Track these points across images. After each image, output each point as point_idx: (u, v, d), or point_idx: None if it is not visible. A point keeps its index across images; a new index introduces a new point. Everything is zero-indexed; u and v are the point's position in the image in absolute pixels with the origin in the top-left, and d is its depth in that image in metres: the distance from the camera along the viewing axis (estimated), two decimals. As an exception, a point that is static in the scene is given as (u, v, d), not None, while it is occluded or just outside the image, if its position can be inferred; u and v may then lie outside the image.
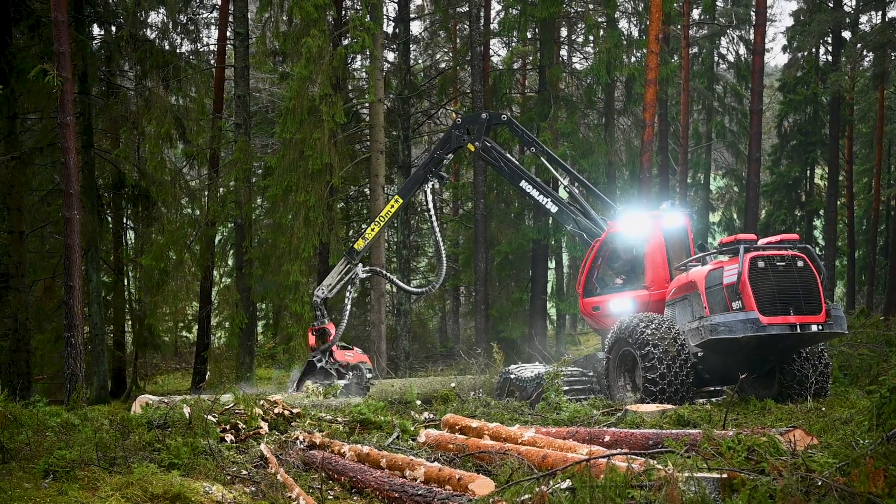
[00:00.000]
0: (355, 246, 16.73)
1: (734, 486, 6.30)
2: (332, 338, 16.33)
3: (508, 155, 16.28)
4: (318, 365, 16.25)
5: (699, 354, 13.21)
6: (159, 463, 8.55)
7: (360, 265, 16.67)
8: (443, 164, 16.44)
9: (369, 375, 16.31)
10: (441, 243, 16.90)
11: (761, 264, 12.64)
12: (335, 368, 16.23)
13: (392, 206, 16.62)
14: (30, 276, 21.96)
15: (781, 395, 13.32)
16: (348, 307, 16.66)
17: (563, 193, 17.06)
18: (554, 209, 15.69)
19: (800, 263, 12.79)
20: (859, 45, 32.27)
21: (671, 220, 15.11)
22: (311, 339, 16.62)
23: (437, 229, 16.83)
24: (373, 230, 16.66)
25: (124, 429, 9.60)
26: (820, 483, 6.06)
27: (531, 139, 16.51)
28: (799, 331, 12.46)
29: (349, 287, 16.71)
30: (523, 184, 15.87)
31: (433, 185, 16.42)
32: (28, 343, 20.70)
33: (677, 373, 12.92)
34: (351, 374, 16.16)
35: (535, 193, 15.74)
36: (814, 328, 12.53)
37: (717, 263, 13.38)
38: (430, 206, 16.56)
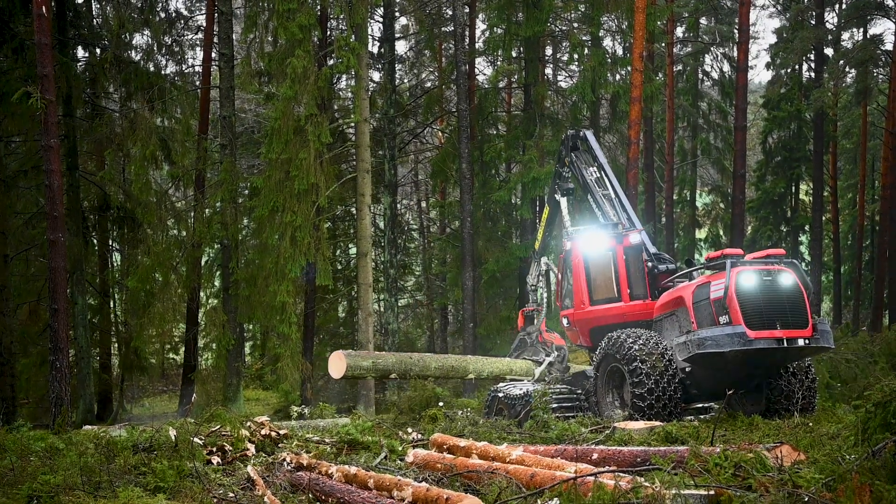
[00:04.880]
0: (535, 247, 18.93)
1: (721, 503, 6.30)
2: (539, 318, 18.22)
3: (587, 171, 16.85)
4: (528, 341, 18.05)
5: (687, 370, 13.22)
6: (145, 487, 8.48)
7: (545, 258, 18.57)
8: (563, 177, 17.27)
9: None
10: None
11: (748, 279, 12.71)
12: (542, 347, 17.82)
13: (546, 212, 18.32)
14: (14, 299, 21.84)
15: (769, 411, 13.35)
16: (545, 295, 18.78)
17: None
18: (602, 222, 16.25)
19: (786, 278, 12.85)
20: (842, 62, 32.59)
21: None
22: (521, 320, 18.62)
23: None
24: (539, 234, 18.73)
25: (109, 452, 9.52)
26: (807, 499, 6.06)
27: (595, 158, 16.96)
28: (786, 345, 12.50)
29: (541, 277, 18.83)
30: (589, 198, 16.78)
31: (560, 196, 17.44)
32: (13, 367, 20.55)
33: (665, 388, 12.96)
34: (556, 352, 17.56)
35: (594, 208, 16.59)
36: (800, 342, 12.57)
37: (704, 278, 13.43)
38: (565, 212, 17.40)
